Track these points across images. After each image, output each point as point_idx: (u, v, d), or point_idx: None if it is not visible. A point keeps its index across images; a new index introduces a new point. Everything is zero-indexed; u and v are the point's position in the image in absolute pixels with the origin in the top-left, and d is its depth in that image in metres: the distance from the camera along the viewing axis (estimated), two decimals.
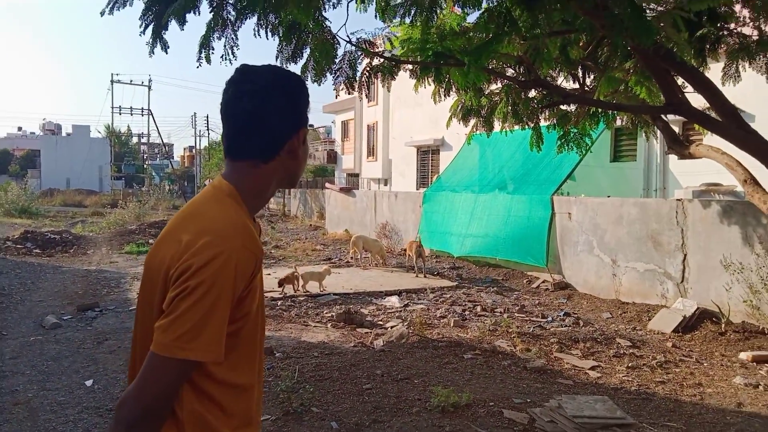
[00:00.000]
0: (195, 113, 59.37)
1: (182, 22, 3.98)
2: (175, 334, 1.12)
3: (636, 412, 4.30)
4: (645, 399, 4.64)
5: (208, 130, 49.80)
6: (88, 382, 4.88)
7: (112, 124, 49.57)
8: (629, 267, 8.94)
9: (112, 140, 51.42)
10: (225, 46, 3.86)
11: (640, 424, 3.99)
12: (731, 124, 4.17)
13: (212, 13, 3.85)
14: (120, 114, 47.82)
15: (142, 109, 45.41)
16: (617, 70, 5.18)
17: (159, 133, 56.68)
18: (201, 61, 3.95)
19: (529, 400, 4.43)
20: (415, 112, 19.15)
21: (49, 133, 63.07)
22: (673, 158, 10.37)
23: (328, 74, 4.89)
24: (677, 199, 8.52)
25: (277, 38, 4.71)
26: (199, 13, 3.94)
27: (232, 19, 3.98)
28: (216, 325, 1.15)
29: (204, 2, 3.89)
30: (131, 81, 45.29)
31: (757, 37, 4.90)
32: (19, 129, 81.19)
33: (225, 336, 1.17)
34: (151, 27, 4.05)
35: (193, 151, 60.71)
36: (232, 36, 3.87)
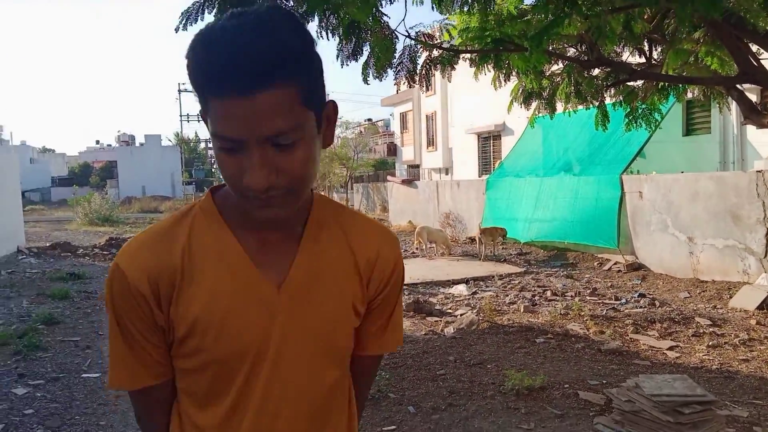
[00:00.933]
0: None
1: None
2: None
3: (718, 390, 4.20)
4: (727, 377, 4.51)
5: None
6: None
7: (181, 131, 51.79)
8: (707, 244, 8.59)
9: (182, 147, 53.67)
10: None
11: (722, 402, 3.90)
12: None
13: None
14: (188, 121, 49.87)
15: None
16: (686, 41, 5.01)
17: None
18: None
19: (605, 382, 4.40)
20: (474, 98, 18.95)
21: (124, 144, 66.29)
22: (750, 129, 9.85)
23: (389, 70, 5.00)
24: (757, 171, 8.10)
25: (337, 38, 4.88)
26: None
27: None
28: (114, 349, 1.00)
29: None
30: None
31: None
32: (97, 142, 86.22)
33: (134, 363, 0.99)
34: None
35: None
36: None
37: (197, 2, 4.30)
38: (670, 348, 5.30)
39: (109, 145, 79.71)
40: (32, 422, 4.23)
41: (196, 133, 79.62)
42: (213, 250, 0.98)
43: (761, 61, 4.90)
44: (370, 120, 57.12)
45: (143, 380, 1.01)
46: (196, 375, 1.00)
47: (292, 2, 4.26)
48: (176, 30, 4.28)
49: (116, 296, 0.97)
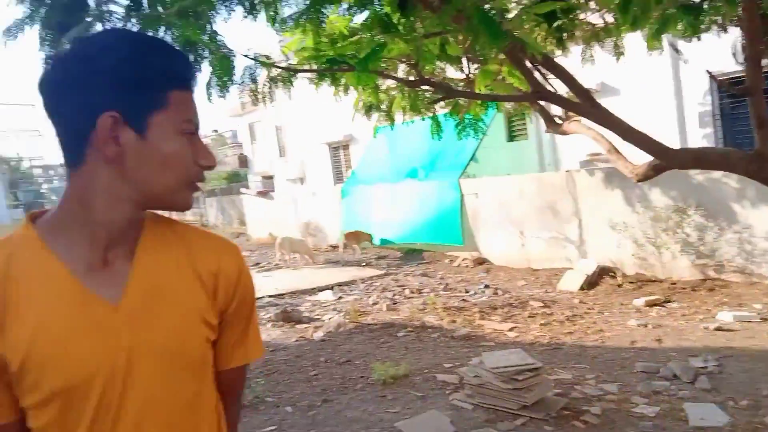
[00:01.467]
0: None
1: None
2: None
3: (548, 359, 5.02)
4: (555, 348, 5.39)
5: None
6: None
7: (1, 150, 46.21)
8: (535, 237, 9.86)
9: (3, 168, 47.89)
10: None
11: (550, 369, 4.69)
12: (586, 103, 4.92)
13: None
14: (8, 138, 44.65)
15: (33, 130, 42.66)
16: (492, 62, 5.86)
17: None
18: None
19: (458, 363, 5.03)
20: (322, 109, 19.48)
21: None
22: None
23: (230, 89, 5.20)
24: (566, 171, 9.50)
25: None
26: None
27: None
28: None
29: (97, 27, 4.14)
30: (16, 102, 42.41)
31: (603, 25, 5.75)
32: None
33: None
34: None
35: None
36: None
37: (20, 20, 4.18)
38: (510, 329, 6.14)
39: None
40: None
41: (17, 153, 71.24)
42: (36, 278, 0.94)
43: (552, 80, 5.92)
44: (216, 131, 55.42)
45: None
46: (43, 410, 0.94)
47: (129, 22, 4.30)
48: (4, 45, 4.14)
49: None
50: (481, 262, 10.67)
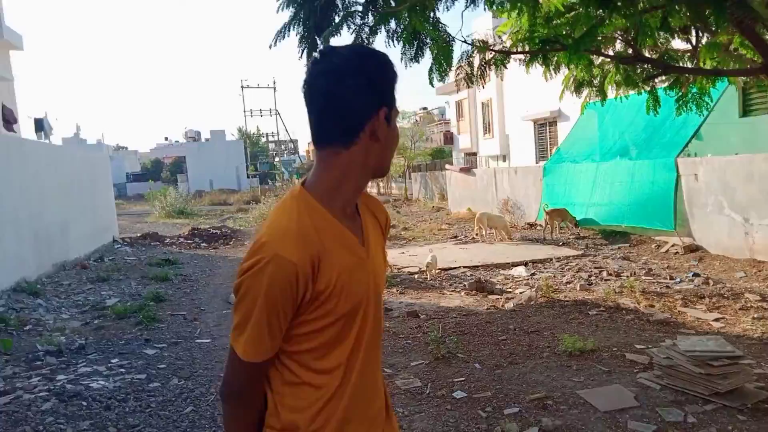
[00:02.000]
0: None
1: (327, 44, 5.03)
2: (232, 326, 1.24)
3: (756, 353, 4.69)
4: (766, 344, 4.97)
5: None
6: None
7: (245, 126, 53.74)
8: (764, 225, 8.80)
9: (246, 142, 55.67)
10: None
11: (756, 363, 4.40)
12: None
13: (353, 35, 4.80)
14: (251, 116, 51.70)
15: (270, 110, 48.89)
16: (721, 33, 5.42)
17: (287, 130, 60.39)
18: None
19: (650, 346, 4.96)
20: (528, 86, 19.20)
21: (191, 140, 68.88)
22: None
23: (450, 72, 5.66)
24: None
25: (401, 44, 5.58)
26: (340, 35, 4.93)
27: (366, 37, 4.90)
28: (253, 331, 1.19)
29: (344, 27, 4.86)
30: (258, 85, 48.85)
31: None
32: (166, 139, 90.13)
33: (267, 340, 1.21)
34: (305, 51, 5.09)
35: None
36: None
37: (286, 24, 5.10)
38: (716, 320, 5.77)
39: (177, 142, 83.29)
40: (167, 373, 5.22)
41: (257, 127, 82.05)
42: (329, 232, 1.24)
43: None
44: (425, 109, 57.55)
45: (268, 353, 1.23)
46: (327, 329, 1.24)
47: (368, 18, 4.96)
48: (270, 47, 5.11)
49: (276, 282, 1.15)
50: (693, 249, 9.85)
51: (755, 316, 5.80)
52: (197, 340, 6.35)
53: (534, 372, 4.61)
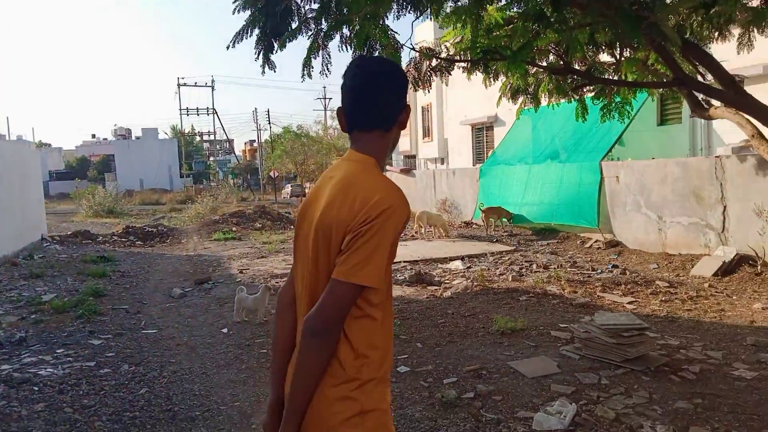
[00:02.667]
0: (256, 108, 61.91)
1: (283, 47, 5.28)
2: (350, 264, 1.43)
3: (660, 329, 5.32)
4: (670, 321, 5.63)
5: (269, 124, 52.04)
6: (224, 330, 6.32)
7: (181, 125, 52.49)
8: (674, 222, 9.70)
9: (181, 140, 54.34)
10: (322, 63, 5.10)
11: (660, 336, 5.01)
12: (729, 90, 5.03)
13: (310, 40, 5.08)
14: (188, 115, 50.58)
15: (208, 108, 48.00)
16: (639, 50, 6.07)
17: (224, 130, 59.37)
18: (304, 76, 5.21)
19: (572, 325, 5.49)
20: (467, 91, 19.93)
21: (120, 138, 66.61)
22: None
23: None
24: (716, 156, 9.20)
25: (353, 49, 5.90)
26: (297, 39, 5.20)
27: (322, 43, 5.20)
28: (379, 259, 1.45)
29: (299, 35, 5.15)
30: (195, 83, 47.90)
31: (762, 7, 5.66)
32: (93, 136, 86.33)
33: (386, 270, 1.48)
34: (261, 53, 5.32)
35: (254, 144, 63.48)
36: (327, 55, 5.09)
37: (244, 26, 5.31)
38: (630, 302, 6.42)
39: (106, 139, 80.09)
40: (116, 361, 5.31)
41: (192, 126, 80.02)
42: None
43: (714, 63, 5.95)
44: None
45: (382, 281, 1.49)
46: (388, 268, 1.52)
47: (323, 24, 5.25)
48: (227, 48, 5.31)
49: (400, 226, 1.49)
50: (614, 244, 10.70)
51: (662, 299, 6.50)
52: (143, 331, 6.42)
53: (470, 348, 5.04)
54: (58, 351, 5.66)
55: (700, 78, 6.15)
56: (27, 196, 14.71)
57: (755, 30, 5.86)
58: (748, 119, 5.85)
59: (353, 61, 1.66)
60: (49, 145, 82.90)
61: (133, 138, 65.14)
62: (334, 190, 1.55)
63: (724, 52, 6.98)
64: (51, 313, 7.26)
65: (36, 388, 4.55)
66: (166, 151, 56.94)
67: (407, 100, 1.66)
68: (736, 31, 6.06)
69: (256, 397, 4.28)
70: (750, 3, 5.80)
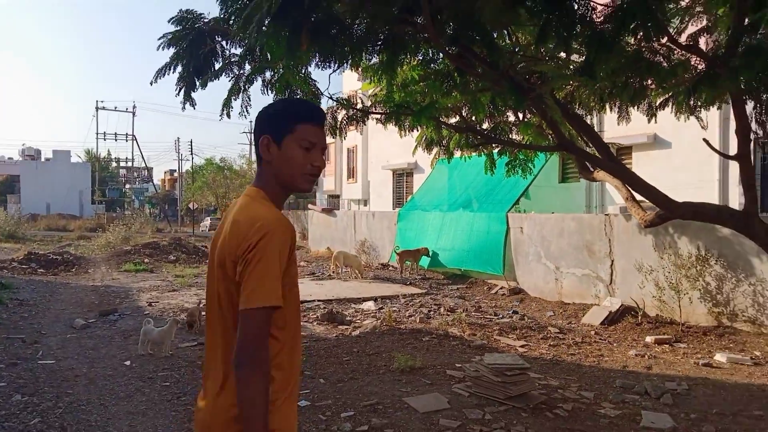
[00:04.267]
0: (178, 138, 60.52)
1: (205, 86, 5.51)
2: (248, 291, 1.52)
3: (544, 370, 5.81)
4: (555, 363, 6.16)
5: (192, 154, 51.05)
6: (127, 362, 6.24)
7: (97, 149, 50.60)
8: (569, 272, 10.53)
9: (95, 165, 52.10)
10: (242, 105, 5.36)
11: (543, 377, 5.49)
12: (604, 157, 5.76)
13: (231, 82, 5.34)
14: (105, 140, 48.73)
15: (127, 134, 46.54)
16: (534, 116, 6.78)
17: (143, 157, 57.49)
18: (223, 115, 5.45)
19: (466, 365, 5.89)
20: (389, 138, 20.67)
21: (28, 159, 63.02)
22: None
23: None
24: (605, 214, 10.16)
25: (273, 93, 6.21)
26: (219, 80, 5.45)
27: (243, 86, 5.47)
28: (271, 280, 1.53)
29: (222, 74, 5.40)
30: (116, 108, 46.47)
31: (636, 86, 6.54)
32: None
33: (284, 290, 1.58)
34: (182, 90, 5.52)
35: (175, 174, 61.80)
36: (247, 97, 5.37)
37: (167, 63, 5.50)
38: (522, 346, 6.93)
39: (11, 158, 75.34)
40: (8, 390, 5.13)
41: (108, 151, 76.81)
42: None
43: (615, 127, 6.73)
44: None
45: (280, 299, 1.55)
46: (288, 291, 1.62)
47: (245, 68, 5.53)
48: (151, 83, 5.48)
49: (284, 247, 1.58)
50: (517, 291, 11.39)
51: (551, 343, 7.07)
52: (39, 362, 6.21)
53: (370, 385, 5.30)
54: None
55: (585, 145, 6.92)
56: None
57: (630, 105, 6.73)
58: (623, 183, 6.64)
59: None
60: None
61: (43, 159, 61.75)
62: (227, 224, 1.67)
63: (615, 121, 7.91)
64: None
65: None
66: (79, 175, 54.29)
67: (281, 130, 1.72)
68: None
69: (154, 429, 4.31)
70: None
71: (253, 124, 1.85)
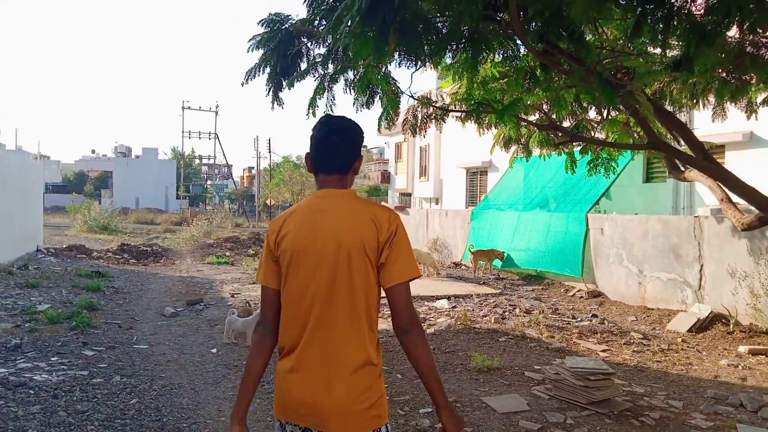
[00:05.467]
0: (258, 136, 62.60)
1: (292, 86, 5.70)
2: (403, 267, 1.83)
3: (628, 377, 5.60)
4: (639, 370, 5.92)
5: (269, 152, 52.66)
6: (213, 350, 6.56)
7: (182, 147, 53.00)
8: (654, 276, 10.06)
9: (181, 162, 54.79)
10: (326, 104, 5.50)
11: (627, 383, 5.29)
12: (698, 156, 5.46)
13: (316, 82, 5.50)
14: (189, 138, 51.18)
15: (210, 133, 48.63)
16: (621, 113, 6.54)
17: (224, 155, 59.87)
18: (309, 115, 5.62)
19: (545, 367, 5.77)
20: (464, 136, 20.56)
21: (120, 155, 67.06)
22: None
23: (397, 121, 6.45)
24: (695, 216, 9.63)
25: (353, 92, 6.33)
26: (305, 80, 5.61)
27: (327, 85, 5.61)
28: (413, 256, 1.89)
29: (307, 75, 5.56)
30: (200, 107, 48.66)
31: (737, 82, 6.14)
32: (93, 151, 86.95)
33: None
34: (271, 90, 5.73)
35: (253, 171, 64.04)
36: (331, 96, 5.51)
37: (256, 64, 5.73)
38: (603, 350, 6.71)
39: (105, 155, 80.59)
40: (109, 371, 5.53)
41: (192, 149, 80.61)
42: None
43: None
44: (365, 147, 58.97)
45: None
46: None
47: (330, 68, 5.68)
48: (242, 84, 5.72)
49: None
50: (596, 294, 11.02)
51: (635, 349, 6.79)
52: (135, 346, 6.64)
53: (447, 382, 5.30)
54: (52, 359, 5.88)
55: (676, 142, 6.60)
56: (27, 207, 14.97)
57: (728, 102, 6.34)
58: (718, 184, 6.27)
59: (321, 119, 2.00)
60: (48, 157, 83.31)
61: (133, 156, 65.62)
62: (342, 218, 1.84)
63: (707, 119, 7.48)
64: (45, 323, 7.47)
65: (31, 392, 4.77)
66: (165, 171, 57.30)
67: (361, 151, 1.99)
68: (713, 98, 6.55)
69: None
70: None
71: (341, 137, 1.97)
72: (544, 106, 7.67)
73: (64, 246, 16.96)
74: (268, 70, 5.73)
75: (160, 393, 4.98)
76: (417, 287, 11.82)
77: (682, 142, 6.33)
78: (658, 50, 5.04)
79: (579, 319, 8.88)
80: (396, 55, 5.93)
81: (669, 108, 6.57)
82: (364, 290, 1.83)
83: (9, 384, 4.92)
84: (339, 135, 1.93)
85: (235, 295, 10.39)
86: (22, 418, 4.22)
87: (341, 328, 1.82)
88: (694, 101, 6.57)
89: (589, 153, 8.25)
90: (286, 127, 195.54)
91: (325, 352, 1.82)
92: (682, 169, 6.75)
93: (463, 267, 15.51)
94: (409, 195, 29.11)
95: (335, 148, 1.93)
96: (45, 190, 59.10)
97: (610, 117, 7.77)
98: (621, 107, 6.16)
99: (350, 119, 2.03)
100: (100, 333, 7.21)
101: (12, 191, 13.37)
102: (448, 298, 10.59)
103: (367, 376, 1.82)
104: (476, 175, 21.26)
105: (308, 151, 1.99)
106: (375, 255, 1.81)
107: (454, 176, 22.54)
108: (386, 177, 35.03)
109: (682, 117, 9.52)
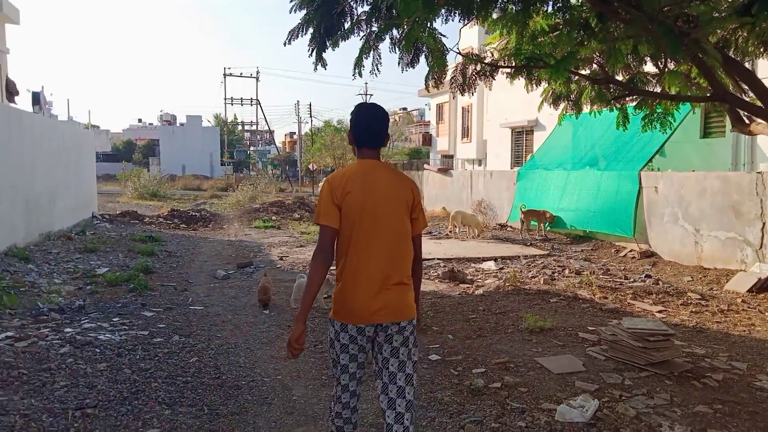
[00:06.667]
0: (298, 101, 62.69)
1: (336, 46, 5.59)
2: (422, 224, 2.63)
3: (687, 338, 5.43)
4: (698, 331, 5.74)
5: (311, 117, 52.69)
6: (266, 311, 6.69)
7: (225, 114, 53.57)
8: (711, 235, 9.68)
9: (224, 129, 55.53)
10: (373, 63, 5.39)
11: (687, 345, 5.14)
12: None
13: (362, 41, 5.37)
14: (232, 104, 51.65)
15: (251, 99, 48.95)
16: (682, 64, 6.17)
17: (266, 121, 60.32)
18: (355, 75, 5.53)
19: (600, 328, 5.66)
20: (509, 94, 19.98)
21: (165, 124, 68.25)
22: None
23: (444, 82, 6.27)
24: (757, 172, 9.15)
25: (399, 50, 6.17)
26: (350, 39, 5.49)
27: (373, 44, 5.48)
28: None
29: (352, 35, 5.44)
30: (241, 74, 48.87)
31: None
32: (139, 120, 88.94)
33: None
34: (314, 50, 5.64)
35: (294, 137, 64.43)
36: (377, 56, 5.39)
37: (300, 24, 5.63)
38: (659, 311, 6.52)
39: (151, 124, 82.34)
40: (168, 331, 5.72)
41: (235, 116, 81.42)
42: None
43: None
44: (405, 109, 58.30)
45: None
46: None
47: (374, 26, 5.54)
48: (284, 44, 5.65)
49: None
50: (648, 255, 10.71)
51: (693, 310, 6.58)
52: (191, 307, 6.85)
53: (499, 343, 5.27)
54: (114, 319, 6.12)
55: (741, 94, 6.20)
56: (81, 175, 15.49)
57: None
58: None
59: (361, 108, 2.66)
60: (98, 127, 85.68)
61: (178, 124, 66.77)
62: (390, 181, 2.57)
63: None
64: (105, 285, 7.77)
65: (98, 350, 4.98)
66: (209, 138, 58.18)
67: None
68: None
69: (296, 372, 4.60)
70: None
71: (381, 123, 2.65)
72: (597, 60, 7.33)
73: (118, 212, 17.56)
74: (311, 30, 5.64)
75: (217, 352, 5.12)
76: (463, 249, 11.77)
77: (750, 93, 5.94)
78: None
79: (632, 279, 8.66)
80: (443, 10, 5.75)
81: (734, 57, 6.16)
82: (408, 233, 2.59)
83: (76, 342, 5.15)
84: (380, 122, 2.63)
85: (284, 258, 10.56)
86: (91, 374, 4.42)
87: (400, 257, 2.55)
88: (762, 49, 6.14)
89: (644, 108, 7.88)
90: (326, 90, 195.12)
91: (388, 272, 2.52)
92: (747, 122, 6.35)
93: (509, 228, 15.31)
94: (451, 157, 28.74)
95: (378, 131, 2.63)
96: (96, 159, 61.31)
97: (668, 69, 7.37)
98: (683, 58, 5.81)
99: (381, 107, 2.69)
100: (157, 295, 7.45)
101: (67, 161, 13.83)
102: (495, 259, 10.48)
103: (409, 287, 2.58)
104: (522, 135, 20.75)
105: (350, 129, 2.66)
106: (410, 212, 2.59)
107: (498, 136, 22.06)
108: (427, 139, 34.65)
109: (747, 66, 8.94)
